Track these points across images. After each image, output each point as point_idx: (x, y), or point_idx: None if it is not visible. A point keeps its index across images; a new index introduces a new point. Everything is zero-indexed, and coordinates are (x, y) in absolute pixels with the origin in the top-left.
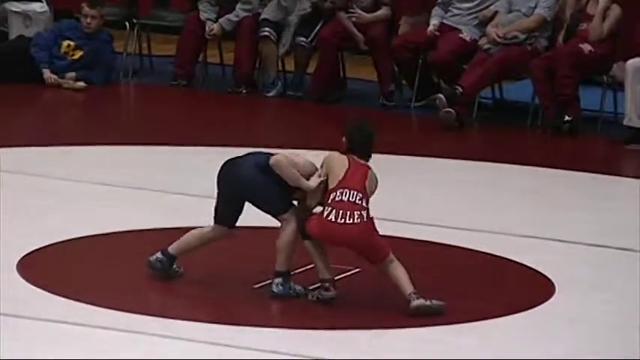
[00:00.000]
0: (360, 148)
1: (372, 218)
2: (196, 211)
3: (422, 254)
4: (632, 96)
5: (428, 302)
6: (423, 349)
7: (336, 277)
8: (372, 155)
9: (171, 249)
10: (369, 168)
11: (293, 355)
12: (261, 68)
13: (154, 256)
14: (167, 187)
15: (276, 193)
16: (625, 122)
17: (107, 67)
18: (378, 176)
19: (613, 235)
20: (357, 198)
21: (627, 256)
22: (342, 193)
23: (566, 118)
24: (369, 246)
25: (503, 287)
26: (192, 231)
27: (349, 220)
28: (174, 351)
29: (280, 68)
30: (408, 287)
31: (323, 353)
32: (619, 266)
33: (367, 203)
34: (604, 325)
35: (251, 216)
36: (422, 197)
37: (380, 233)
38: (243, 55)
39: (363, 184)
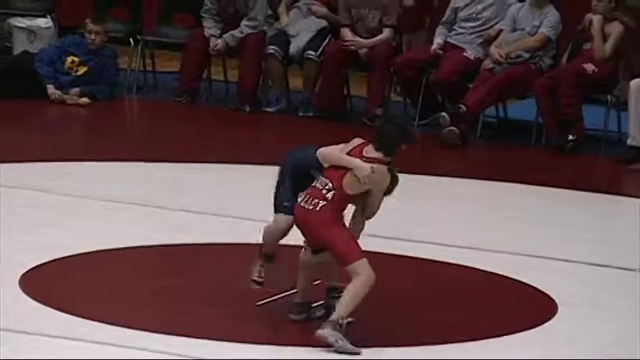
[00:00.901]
0: (376, 139)
1: (336, 215)
2: (199, 227)
3: (423, 272)
4: (636, 116)
5: (339, 343)
6: None
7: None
8: None
9: (265, 250)
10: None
11: None
12: (264, 85)
13: (257, 268)
14: (170, 203)
15: (287, 188)
16: (629, 142)
17: (111, 83)
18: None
19: (615, 254)
20: (326, 188)
21: (629, 275)
22: (319, 181)
23: (570, 137)
24: (325, 240)
25: (505, 306)
26: (265, 227)
27: (310, 206)
28: None
29: (284, 85)
30: (341, 310)
31: None
32: (621, 286)
33: (339, 199)
34: (605, 345)
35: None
36: (424, 215)
37: (351, 239)
38: (247, 72)
39: (340, 179)
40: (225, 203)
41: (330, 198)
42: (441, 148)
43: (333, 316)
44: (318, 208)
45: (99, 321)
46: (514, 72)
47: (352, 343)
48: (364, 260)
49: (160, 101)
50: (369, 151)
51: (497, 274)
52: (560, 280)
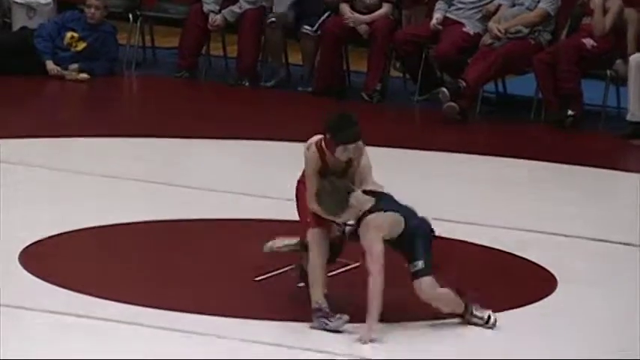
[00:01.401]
0: None
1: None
2: (198, 203)
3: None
4: (636, 91)
5: (328, 326)
6: (424, 343)
7: (337, 271)
8: (373, 148)
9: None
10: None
11: (297, 347)
12: (263, 60)
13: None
14: (169, 179)
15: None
16: (628, 117)
17: (110, 58)
18: (381, 169)
19: (615, 229)
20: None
21: (629, 250)
22: None
23: (569, 112)
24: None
25: (505, 281)
26: None
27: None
28: (175, 343)
29: (284, 60)
30: (313, 295)
31: (329, 345)
32: (621, 261)
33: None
34: (604, 320)
35: (254, 209)
36: (424, 191)
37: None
38: (246, 47)
39: None
40: (224, 179)
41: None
42: (440, 123)
43: (312, 305)
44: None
45: (99, 297)
46: (513, 47)
47: (335, 313)
48: (314, 231)
49: (159, 77)
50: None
51: (496, 250)
52: (560, 255)
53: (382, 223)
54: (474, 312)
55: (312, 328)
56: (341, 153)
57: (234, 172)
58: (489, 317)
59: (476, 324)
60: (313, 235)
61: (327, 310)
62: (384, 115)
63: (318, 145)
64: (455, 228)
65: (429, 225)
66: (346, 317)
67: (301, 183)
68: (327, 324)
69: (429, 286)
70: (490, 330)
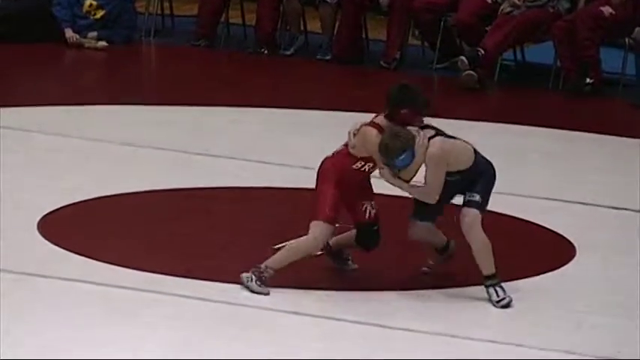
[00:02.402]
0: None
1: (335, 170)
2: (218, 171)
3: (443, 217)
4: None
5: (249, 283)
6: (444, 309)
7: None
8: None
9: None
10: (365, 125)
11: (312, 314)
12: (281, 28)
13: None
14: (189, 147)
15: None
16: None
17: (129, 26)
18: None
19: (635, 197)
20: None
21: None
22: None
23: (588, 80)
24: (316, 187)
25: (525, 250)
26: None
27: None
28: (195, 310)
29: (302, 28)
30: (273, 261)
31: (344, 313)
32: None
33: (342, 155)
34: (623, 289)
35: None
36: None
37: (332, 202)
38: (265, 15)
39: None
40: (243, 147)
41: (336, 151)
42: (459, 91)
43: (265, 262)
44: (329, 157)
45: (117, 265)
46: (532, 15)
47: (264, 288)
48: (325, 225)
49: (178, 45)
50: (379, 118)
51: (515, 218)
52: (579, 223)
53: (447, 151)
54: (497, 287)
55: (242, 277)
56: (418, 122)
57: (254, 140)
58: (505, 300)
59: (489, 297)
60: (323, 231)
61: (265, 279)
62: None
63: (375, 125)
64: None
65: (494, 170)
66: (268, 293)
67: (335, 160)
68: (252, 284)
69: (474, 219)
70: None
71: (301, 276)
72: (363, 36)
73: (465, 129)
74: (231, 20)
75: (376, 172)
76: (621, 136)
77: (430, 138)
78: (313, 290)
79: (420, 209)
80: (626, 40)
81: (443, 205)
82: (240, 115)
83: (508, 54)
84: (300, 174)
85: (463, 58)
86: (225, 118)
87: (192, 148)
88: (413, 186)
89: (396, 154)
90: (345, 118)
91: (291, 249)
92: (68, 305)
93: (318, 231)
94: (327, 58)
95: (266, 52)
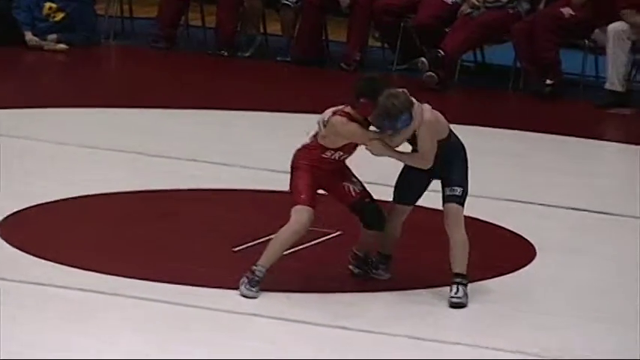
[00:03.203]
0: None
1: (309, 159)
2: (178, 173)
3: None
4: (614, 60)
5: (242, 288)
6: (404, 313)
7: (317, 241)
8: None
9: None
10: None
11: (273, 316)
12: (242, 30)
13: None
14: (149, 149)
15: None
16: (607, 86)
17: (89, 29)
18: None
19: (594, 198)
20: (312, 135)
21: (607, 220)
22: None
23: (548, 81)
24: (290, 176)
25: (483, 250)
26: None
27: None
28: (155, 313)
29: (262, 30)
30: (263, 260)
31: (302, 315)
32: (601, 231)
33: (315, 139)
34: (583, 290)
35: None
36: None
37: (308, 186)
38: (224, 17)
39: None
40: (203, 149)
41: (307, 143)
42: (419, 93)
43: (256, 263)
44: (300, 147)
45: (80, 268)
46: (492, 17)
47: (253, 291)
48: (304, 208)
49: (138, 47)
50: (347, 108)
51: (476, 219)
52: (539, 224)
53: (437, 119)
54: (461, 286)
55: (240, 288)
56: None
57: (214, 142)
58: (459, 300)
59: (452, 294)
60: (302, 213)
61: (257, 280)
62: None
63: (343, 113)
64: (433, 197)
65: (465, 149)
66: (255, 296)
67: (304, 151)
68: (242, 288)
69: (458, 216)
70: (470, 299)
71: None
72: (324, 37)
73: None
74: (190, 22)
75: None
76: (582, 137)
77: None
78: (274, 292)
79: (400, 192)
80: (586, 41)
81: (421, 191)
82: (200, 117)
83: (468, 55)
84: (261, 176)
85: (423, 59)
86: (186, 120)
87: (153, 150)
88: (406, 153)
89: (397, 114)
90: (306, 120)
91: (276, 241)
92: (29, 308)
93: (298, 215)
94: (288, 59)
95: (226, 54)
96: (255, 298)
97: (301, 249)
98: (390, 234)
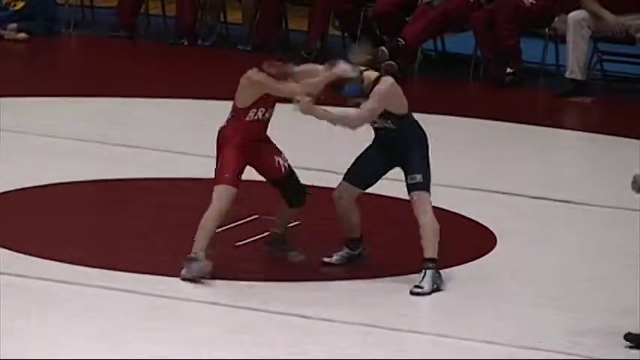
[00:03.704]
0: None
1: (234, 133)
2: (137, 162)
3: (365, 206)
4: (574, 48)
5: (186, 273)
6: (367, 299)
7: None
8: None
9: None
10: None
11: (233, 305)
12: (202, 19)
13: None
14: (108, 138)
15: None
16: (567, 75)
17: (49, 18)
18: (321, 129)
19: (555, 187)
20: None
21: (569, 208)
22: None
23: (508, 70)
24: (217, 155)
25: (444, 239)
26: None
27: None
28: (116, 302)
29: (223, 19)
30: (195, 247)
31: (262, 303)
32: (561, 219)
33: (233, 111)
34: (544, 278)
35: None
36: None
37: (232, 165)
38: (185, 6)
39: (235, 98)
40: (163, 138)
41: (226, 120)
42: None
43: (193, 251)
44: (221, 128)
45: (39, 257)
46: (452, 5)
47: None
48: (225, 187)
49: (98, 36)
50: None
51: (437, 207)
52: (500, 213)
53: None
54: (433, 271)
55: (182, 275)
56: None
57: (174, 131)
58: (425, 289)
59: (420, 280)
60: (223, 193)
61: (199, 267)
62: None
63: (261, 69)
64: (394, 186)
65: (424, 133)
66: (209, 266)
67: (229, 127)
68: (192, 269)
69: (424, 202)
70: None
71: (223, 268)
72: (284, 26)
73: None
74: (151, 11)
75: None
76: (542, 125)
77: (378, 77)
78: (234, 281)
79: (353, 172)
80: (547, 29)
81: (373, 177)
82: (160, 106)
83: (428, 44)
84: None
85: (383, 48)
86: (146, 109)
87: (113, 139)
88: (334, 114)
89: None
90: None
91: (203, 225)
92: None
93: (219, 194)
94: (248, 48)
95: (186, 42)
96: (197, 282)
97: (260, 238)
98: (348, 216)
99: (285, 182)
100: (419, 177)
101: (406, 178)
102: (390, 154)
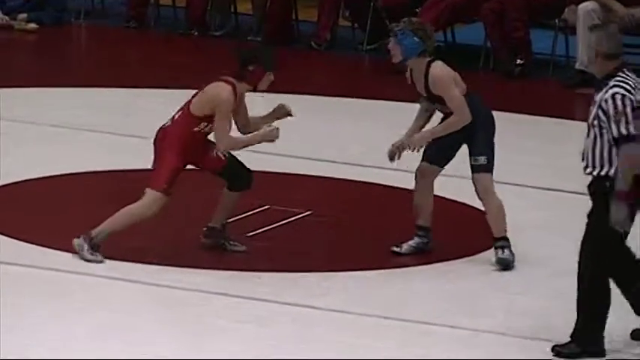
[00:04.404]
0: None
1: (178, 137)
2: (146, 152)
3: (375, 198)
4: (584, 39)
5: (82, 252)
6: (372, 292)
7: (287, 220)
8: (322, 97)
9: None
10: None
11: (242, 296)
12: (212, 8)
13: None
14: (119, 129)
15: None
16: (577, 66)
17: (59, 8)
18: (329, 118)
19: (565, 178)
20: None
21: (578, 199)
22: None
23: (518, 61)
24: (156, 155)
25: (457, 231)
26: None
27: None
28: (124, 293)
29: (233, 10)
30: (103, 226)
31: (271, 294)
32: (572, 210)
33: (183, 114)
34: (557, 268)
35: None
36: (377, 140)
37: (170, 172)
38: None
39: (192, 96)
40: None
41: (175, 117)
42: (388, 72)
43: (95, 229)
44: (165, 126)
45: (48, 247)
46: None
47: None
48: (159, 195)
49: (108, 27)
50: (227, 77)
51: (447, 199)
52: (509, 204)
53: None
54: (505, 249)
55: (75, 245)
56: (267, 81)
57: None
58: (505, 262)
59: (495, 255)
60: (156, 201)
61: (97, 244)
62: (332, 64)
63: (230, 83)
64: (402, 176)
65: (491, 113)
66: (102, 261)
67: (174, 129)
68: (84, 253)
69: (488, 184)
70: (441, 279)
71: (227, 258)
72: (294, 17)
73: (395, 110)
74: (161, 2)
75: None
76: (552, 116)
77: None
78: (245, 272)
79: (431, 151)
80: (556, 20)
81: (452, 152)
82: (170, 97)
83: (438, 35)
84: None
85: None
86: (156, 99)
87: (124, 130)
88: (438, 128)
89: (414, 31)
90: (273, 100)
91: (124, 214)
92: None
93: (151, 200)
94: (258, 39)
95: (196, 33)
96: (102, 262)
97: (270, 229)
98: (425, 200)
99: (228, 169)
100: (482, 159)
101: (470, 159)
102: (457, 133)
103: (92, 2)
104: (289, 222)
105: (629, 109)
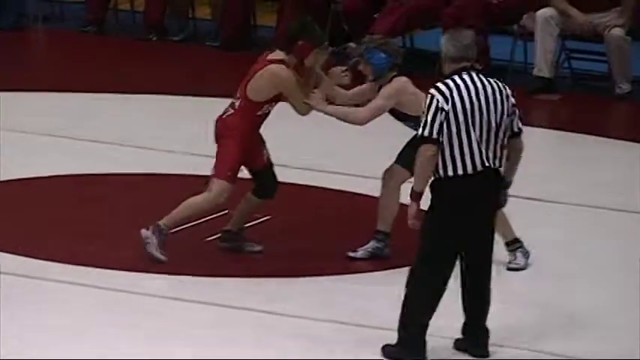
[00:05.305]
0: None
1: (241, 123)
2: (106, 157)
3: (334, 203)
4: (542, 46)
5: (149, 246)
6: (332, 298)
7: (246, 225)
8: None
9: None
10: (271, 63)
11: (201, 301)
12: (170, 13)
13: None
14: (77, 134)
15: None
16: (535, 72)
17: (16, 12)
18: (294, 124)
19: (522, 184)
20: (236, 97)
21: (536, 205)
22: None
23: (476, 67)
24: (218, 144)
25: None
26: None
27: (223, 114)
28: (81, 297)
29: (191, 14)
30: (169, 218)
31: (232, 299)
32: (527, 216)
33: (243, 102)
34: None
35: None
36: (340, 145)
37: (234, 159)
38: (153, 1)
39: (245, 83)
40: (131, 133)
41: (236, 106)
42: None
43: (162, 221)
44: (224, 116)
45: (7, 252)
46: (421, 2)
47: (162, 253)
48: (226, 184)
49: (67, 31)
50: (274, 54)
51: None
52: None
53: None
54: (517, 252)
55: (145, 237)
56: (316, 58)
57: (142, 127)
58: (519, 265)
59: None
60: (224, 191)
61: (164, 236)
62: None
63: (278, 61)
64: (366, 183)
65: None
66: (164, 260)
67: (235, 118)
68: (153, 245)
69: None
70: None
71: (182, 263)
72: (252, 22)
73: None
74: (119, 6)
75: None
76: None
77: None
78: (201, 277)
79: (405, 155)
80: (515, 27)
81: None
82: (128, 102)
83: (397, 40)
84: (187, 160)
85: (353, 44)
86: (114, 104)
87: (81, 134)
88: (342, 110)
89: (380, 48)
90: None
91: (189, 206)
92: None
93: (220, 189)
94: (216, 44)
95: (155, 38)
96: (165, 262)
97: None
98: (389, 204)
99: (265, 172)
100: None
101: None
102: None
103: (51, 7)
104: (249, 226)
105: (431, 112)
